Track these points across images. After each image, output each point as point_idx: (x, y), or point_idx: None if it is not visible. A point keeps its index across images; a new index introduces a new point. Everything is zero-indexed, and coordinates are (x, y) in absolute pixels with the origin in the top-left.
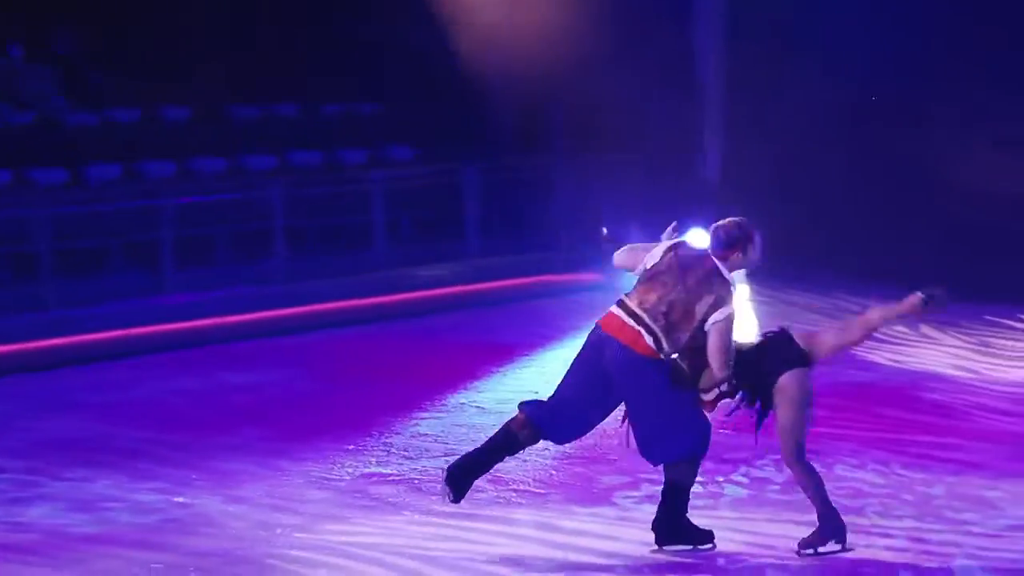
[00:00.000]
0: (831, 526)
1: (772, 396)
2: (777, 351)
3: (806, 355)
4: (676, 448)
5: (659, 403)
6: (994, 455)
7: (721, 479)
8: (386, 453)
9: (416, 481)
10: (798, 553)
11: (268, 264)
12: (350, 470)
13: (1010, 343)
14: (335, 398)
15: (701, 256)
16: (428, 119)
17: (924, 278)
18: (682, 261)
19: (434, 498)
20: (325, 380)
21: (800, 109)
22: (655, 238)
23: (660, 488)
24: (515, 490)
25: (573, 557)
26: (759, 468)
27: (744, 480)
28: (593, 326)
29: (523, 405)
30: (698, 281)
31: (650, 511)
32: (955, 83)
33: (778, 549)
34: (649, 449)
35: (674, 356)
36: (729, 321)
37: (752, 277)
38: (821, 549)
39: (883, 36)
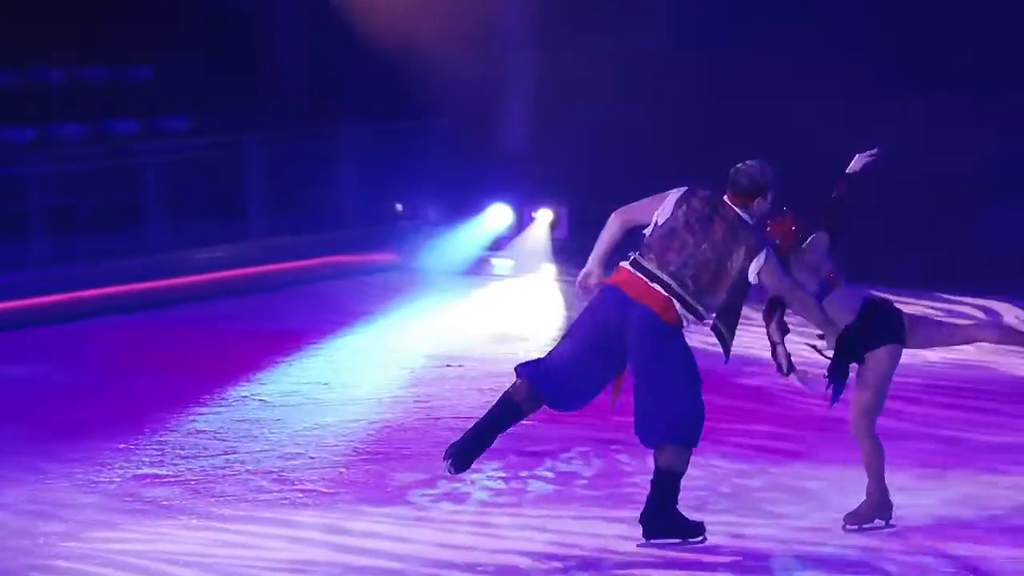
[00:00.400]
0: (879, 504)
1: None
2: (883, 321)
3: (905, 334)
4: (676, 431)
5: (670, 380)
6: (815, 443)
7: (525, 474)
8: (160, 452)
9: (193, 483)
10: (844, 528)
11: (29, 247)
12: (120, 471)
13: None
14: (104, 393)
15: (718, 205)
16: (204, 86)
17: None
18: (699, 214)
19: (212, 500)
20: (94, 373)
21: (613, 75)
22: (453, 214)
23: (459, 486)
24: (301, 490)
25: (361, 561)
26: (565, 462)
27: (550, 475)
28: (607, 287)
29: (522, 369)
30: (724, 235)
31: (448, 510)
32: (778, 45)
33: (585, 548)
34: (647, 427)
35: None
36: (774, 259)
37: (559, 256)
38: (866, 525)
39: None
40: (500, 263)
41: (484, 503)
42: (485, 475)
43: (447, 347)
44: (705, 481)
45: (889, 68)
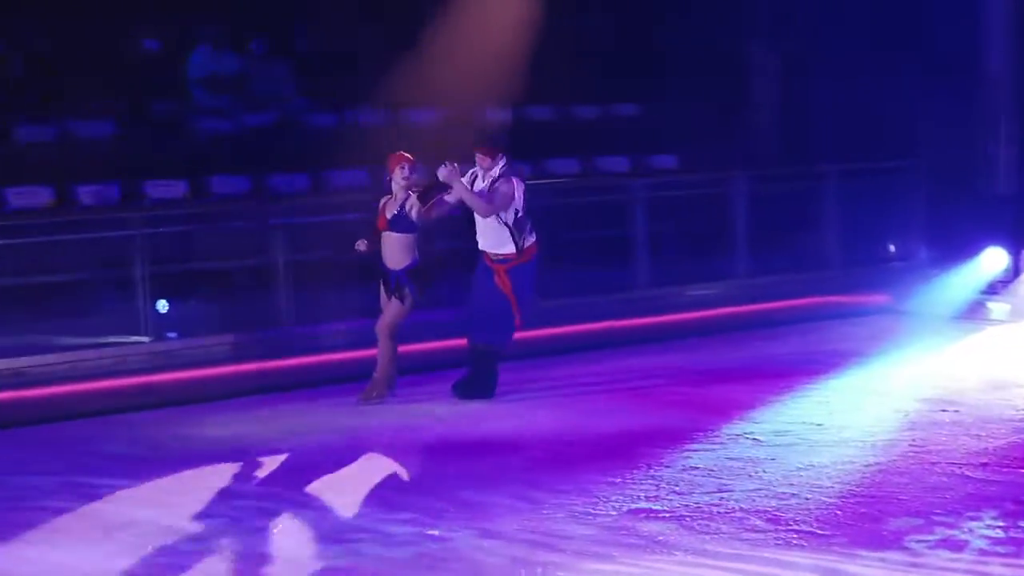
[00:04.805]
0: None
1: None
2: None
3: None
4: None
5: None
6: None
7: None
8: (655, 487)
9: (687, 519)
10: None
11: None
12: (616, 504)
13: None
14: (592, 427)
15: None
16: (690, 123)
17: None
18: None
19: (706, 537)
20: (582, 413)
21: None
22: (946, 256)
23: (956, 533)
24: (794, 531)
25: None
26: None
27: None
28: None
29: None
30: None
31: (945, 557)
32: None
33: None
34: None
35: None
36: None
37: None
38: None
39: None
40: (996, 307)
41: (983, 551)
42: (983, 523)
43: (940, 391)
44: None
45: None
